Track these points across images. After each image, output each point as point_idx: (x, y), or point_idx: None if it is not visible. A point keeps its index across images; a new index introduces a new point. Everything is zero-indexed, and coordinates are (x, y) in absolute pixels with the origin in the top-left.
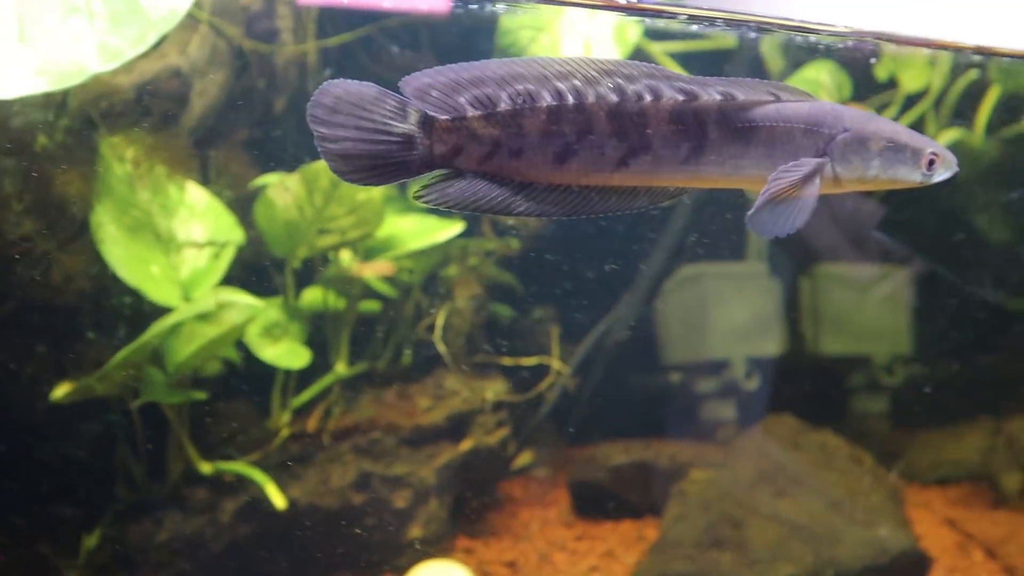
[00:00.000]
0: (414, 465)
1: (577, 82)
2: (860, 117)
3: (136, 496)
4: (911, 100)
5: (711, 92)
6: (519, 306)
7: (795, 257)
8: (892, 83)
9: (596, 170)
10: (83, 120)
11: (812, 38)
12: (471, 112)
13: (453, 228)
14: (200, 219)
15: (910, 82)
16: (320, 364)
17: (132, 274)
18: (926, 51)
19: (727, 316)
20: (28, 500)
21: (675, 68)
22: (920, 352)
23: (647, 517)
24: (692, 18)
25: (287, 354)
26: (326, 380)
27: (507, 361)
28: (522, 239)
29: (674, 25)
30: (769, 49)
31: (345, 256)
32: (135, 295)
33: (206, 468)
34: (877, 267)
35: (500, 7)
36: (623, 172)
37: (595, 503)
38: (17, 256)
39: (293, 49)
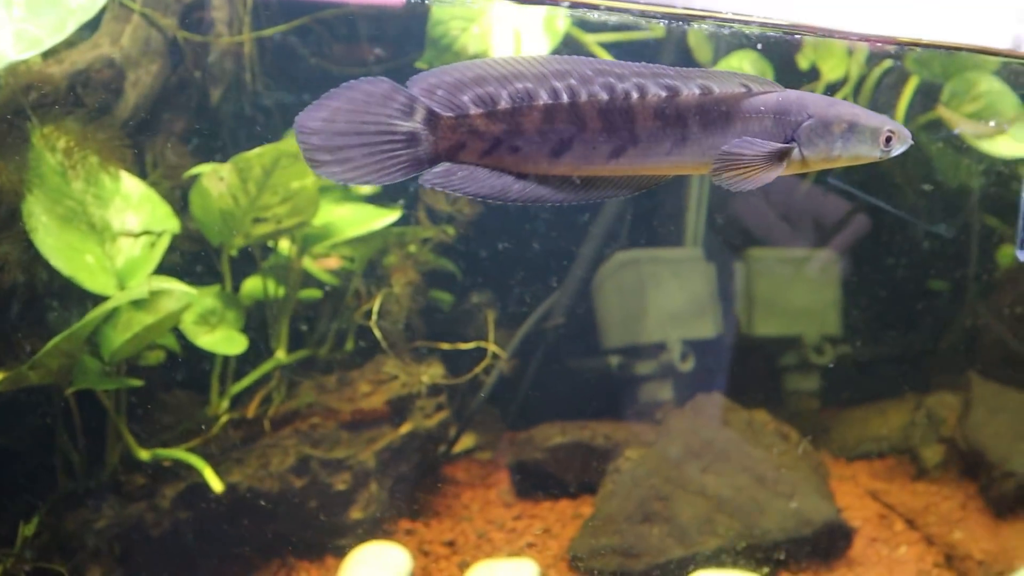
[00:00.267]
0: (354, 449)
1: (573, 81)
2: (822, 103)
3: (74, 484)
4: (832, 88)
5: (691, 87)
6: (458, 292)
7: (730, 242)
8: (814, 72)
9: (589, 163)
10: (13, 110)
11: (732, 28)
12: (474, 110)
13: (390, 216)
14: (135, 209)
15: (830, 71)
16: (264, 352)
17: (66, 263)
18: (843, 41)
19: (663, 300)
20: None
21: (606, 57)
22: (848, 332)
23: (584, 495)
24: (613, 10)
25: (224, 341)
26: (265, 367)
27: (444, 346)
28: (458, 226)
29: (603, 17)
30: (696, 40)
31: (284, 245)
32: (70, 284)
33: (144, 455)
34: (808, 251)
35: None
36: (613, 164)
37: (534, 483)
38: None
39: (228, 40)
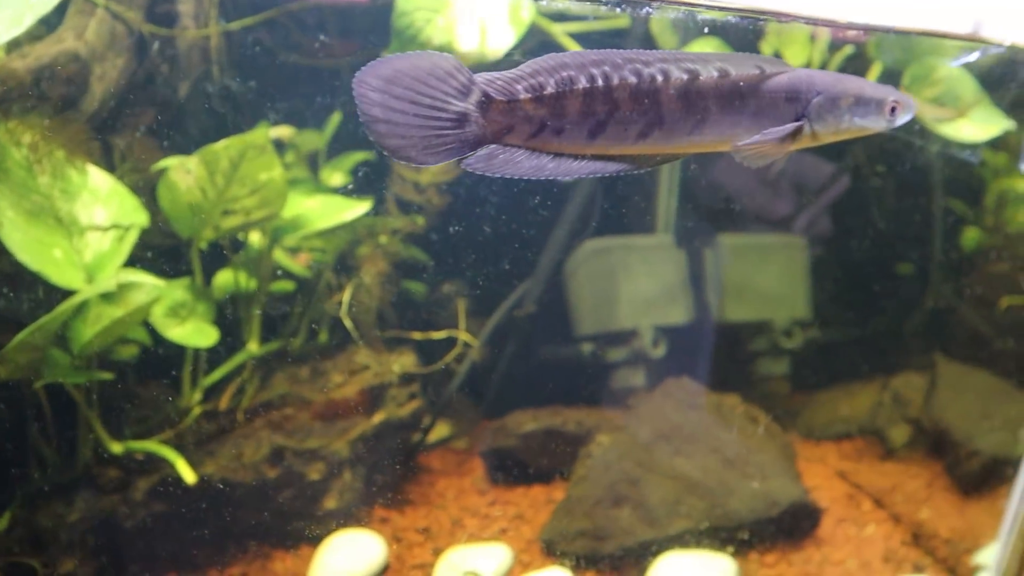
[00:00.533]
0: (327, 439)
1: (607, 68)
2: (829, 79)
3: (47, 478)
4: None
5: (710, 70)
6: (429, 282)
7: (700, 229)
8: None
9: (620, 143)
10: None
11: (701, 16)
12: (523, 95)
13: (360, 207)
14: (103, 203)
15: (793, 57)
16: (236, 345)
17: (33, 258)
18: (807, 28)
19: (635, 287)
20: None
21: (574, 47)
22: (816, 316)
23: (557, 481)
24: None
25: (194, 333)
26: (238, 359)
27: (416, 335)
28: (428, 216)
29: (566, 5)
30: (660, 27)
31: (255, 238)
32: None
33: (116, 448)
34: (777, 237)
35: None
36: (641, 143)
37: (507, 470)
38: None
39: (195, 33)
